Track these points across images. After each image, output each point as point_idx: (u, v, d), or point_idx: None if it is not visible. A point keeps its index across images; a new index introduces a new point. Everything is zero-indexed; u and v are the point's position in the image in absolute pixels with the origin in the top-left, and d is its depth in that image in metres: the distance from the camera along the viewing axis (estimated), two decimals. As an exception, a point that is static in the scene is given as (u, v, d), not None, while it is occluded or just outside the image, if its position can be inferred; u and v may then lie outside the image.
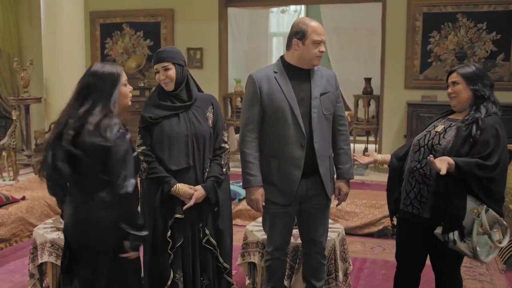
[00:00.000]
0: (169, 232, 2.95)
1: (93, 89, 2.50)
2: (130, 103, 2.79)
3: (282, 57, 3.06)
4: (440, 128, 2.81)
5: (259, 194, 3.02)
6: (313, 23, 2.93)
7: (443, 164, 2.52)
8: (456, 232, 2.59)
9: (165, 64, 2.96)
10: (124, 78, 2.65)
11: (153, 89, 3.15)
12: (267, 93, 2.95)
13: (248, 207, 5.27)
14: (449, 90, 2.82)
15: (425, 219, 2.73)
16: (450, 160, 2.55)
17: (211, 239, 3.01)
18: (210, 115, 3.06)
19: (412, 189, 2.81)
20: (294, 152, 2.95)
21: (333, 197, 3.18)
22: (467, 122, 2.68)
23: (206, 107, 3.06)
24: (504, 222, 2.66)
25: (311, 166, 2.98)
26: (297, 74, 2.98)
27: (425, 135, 2.83)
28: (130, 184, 2.41)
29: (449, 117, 2.88)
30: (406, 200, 2.84)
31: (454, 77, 2.80)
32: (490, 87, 2.76)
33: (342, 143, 3.13)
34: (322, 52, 2.94)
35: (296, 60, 2.98)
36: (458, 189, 2.58)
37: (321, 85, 3.01)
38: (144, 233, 2.50)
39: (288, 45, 3.00)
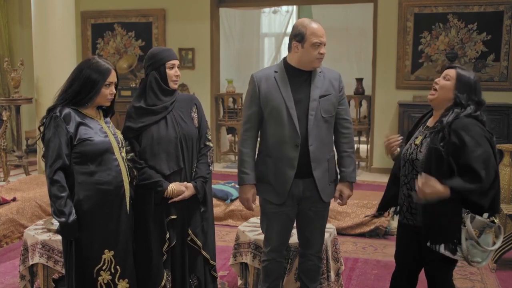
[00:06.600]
0: (167, 234, 2.93)
1: (76, 78, 2.69)
2: (108, 104, 2.78)
3: (285, 58, 3.05)
4: (419, 140, 2.74)
5: (251, 193, 3.05)
6: (313, 25, 2.88)
7: (426, 188, 2.49)
8: (443, 245, 2.58)
9: (177, 61, 2.97)
10: (110, 79, 2.69)
11: (135, 97, 3.00)
12: (265, 92, 2.97)
13: (240, 207, 5.34)
14: (437, 80, 2.72)
15: (420, 227, 2.71)
16: (437, 185, 2.48)
17: (195, 239, 2.98)
18: (195, 115, 3.04)
19: (403, 203, 2.80)
20: (288, 152, 2.95)
21: (333, 198, 3.14)
22: (435, 130, 2.62)
23: (190, 108, 3.04)
24: (495, 222, 2.62)
25: (306, 168, 2.97)
26: (297, 75, 2.97)
27: (407, 148, 2.78)
28: (48, 168, 2.62)
29: (427, 124, 2.78)
30: (401, 213, 2.84)
31: (450, 72, 2.68)
32: (476, 104, 2.61)
33: (345, 146, 3.09)
34: (322, 54, 2.90)
35: (296, 62, 2.96)
36: (447, 205, 2.54)
37: (322, 87, 2.99)
38: (59, 219, 2.57)
39: (289, 47, 2.98)
